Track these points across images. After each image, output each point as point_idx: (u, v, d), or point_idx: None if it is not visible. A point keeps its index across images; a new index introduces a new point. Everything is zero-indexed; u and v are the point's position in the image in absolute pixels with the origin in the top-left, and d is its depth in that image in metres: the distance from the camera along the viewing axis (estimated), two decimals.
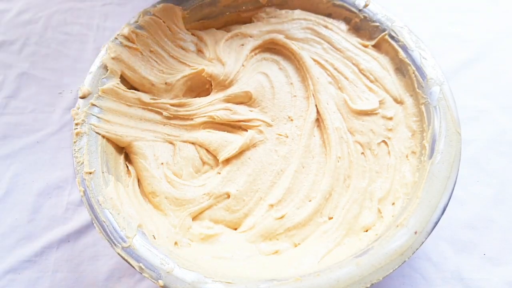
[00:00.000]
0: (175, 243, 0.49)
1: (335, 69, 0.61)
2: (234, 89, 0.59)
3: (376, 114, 0.58)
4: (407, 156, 0.54)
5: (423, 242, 0.44)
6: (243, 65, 0.61)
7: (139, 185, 0.54)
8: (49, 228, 0.59)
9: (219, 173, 0.55)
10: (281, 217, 0.51)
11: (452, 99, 0.53)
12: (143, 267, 0.45)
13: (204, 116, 0.58)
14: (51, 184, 0.62)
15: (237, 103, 0.60)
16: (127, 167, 0.55)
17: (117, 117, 0.55)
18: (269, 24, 0.63)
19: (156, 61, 0.60)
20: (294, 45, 0.61)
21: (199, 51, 0.63)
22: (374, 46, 0.61)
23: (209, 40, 0.62)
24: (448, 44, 0.75)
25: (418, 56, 0.56)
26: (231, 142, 0.56)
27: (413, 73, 0.56)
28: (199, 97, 0.62)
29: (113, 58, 0.56)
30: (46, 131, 0.66)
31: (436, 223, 0.46)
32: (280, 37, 0.62)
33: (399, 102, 0.58)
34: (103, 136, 0.53)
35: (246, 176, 0.55)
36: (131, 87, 0.59)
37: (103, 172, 0.50)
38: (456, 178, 0.48)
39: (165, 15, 0.60)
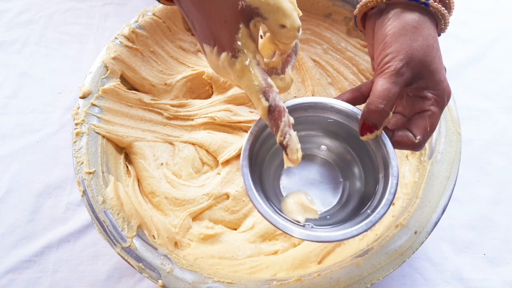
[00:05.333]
0: (175, 243, 0.49)
1: (335, 69, 0.61)
2: (234, 90, 0.59)
3: None
4: (407, 157, 0.54)
5: (423, 242, 0.44)
6: None
7: (139, 185, 0.54)
8: (49, 228, 0.59)
9: (219, 174, 0.55)
10: None
11: (452, 99, 0.53)
12: (143, 267, 0.45)
13: (205, 117, 0.58)
14: (51, 184, 0.62)
15: (237, 104, 0.60)
16: (127, 167, 0.55)
17: (117, 117, 0.55)
18: None
19: (156, 62, 0.60)
20: None
21: (199, 52, 0.63)
22: None
23: None
24: (448, 44, 0.74)
25: None
26: (231, 143, 0.56)
27: None
28: (199, 98, 0.62)
29: (113, 58, 0.57)
30: (46, 131, 0.66)
31: (436, 223, 0.46)
32: None
33: None
34: (103, 136, 0.53)
35: None
36: (131, 87, 0.59)
37: (103, 172, 0.50)
38: (456, 178, 0.48)
39: (165, 15, 0.60)
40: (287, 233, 0.37)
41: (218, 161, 0.57)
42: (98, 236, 0.57)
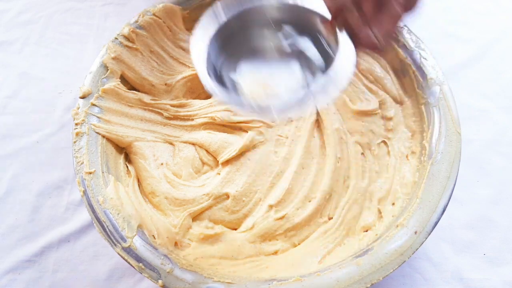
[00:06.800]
0: (175, 243, 0.49)
1: None
2: None
3: (375, 114, 0.58)
4: (407, 156, 0.54)
5: (423, 242, 0.44)
6: None
7: (139, 185, 0.54)
8: (49, 228, 0.59)
9: (219, 174, 0.55)
10: (281, 218, 0.51)
11: (452, 99, 0.53)
12: (143, 267, 0.45)
13: (205, 117, 0.58)
14: (51, 184, 0.62)
15: None
16: (127, 167, 0.55)
17: (117, 117, 0.55)
18: None
19: (156, 62, 0.60)
20: None
21: None
22: None
23: None
24: (448, 44, 0.74)
25: (418, 56, 0.56)
26: (231, 143, 0.56)
27: (413, 73, 0.56)
28: (199, 98, 0.62)
29: (113, 58, 0.57)
30: (46, 131, 0.66)
31: (436, 223, 0.46)
32: None
33: (398, 102, 0.58)
34: (103, 136, 0.53)
35: (246, 177, 0.55)
36: (131, 87, 0.59)
37: (103, 172, 0.50)
38: (456, 178, 0.48)
39: (165, 15, 0.60)
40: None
41: (218, 161, 0.57)
42: (98, 236, 0.57)
